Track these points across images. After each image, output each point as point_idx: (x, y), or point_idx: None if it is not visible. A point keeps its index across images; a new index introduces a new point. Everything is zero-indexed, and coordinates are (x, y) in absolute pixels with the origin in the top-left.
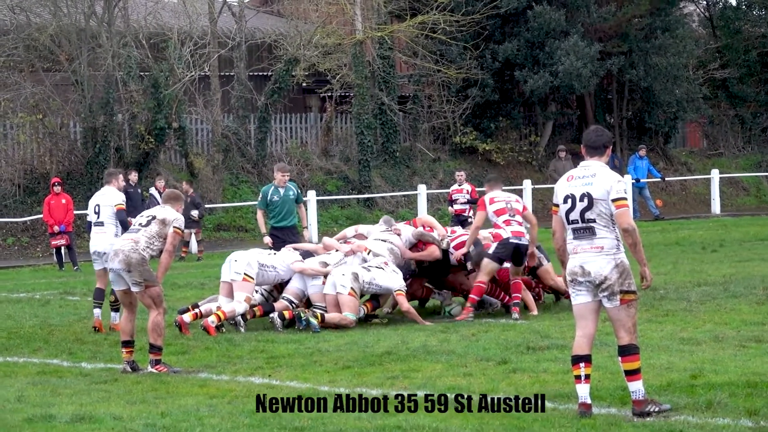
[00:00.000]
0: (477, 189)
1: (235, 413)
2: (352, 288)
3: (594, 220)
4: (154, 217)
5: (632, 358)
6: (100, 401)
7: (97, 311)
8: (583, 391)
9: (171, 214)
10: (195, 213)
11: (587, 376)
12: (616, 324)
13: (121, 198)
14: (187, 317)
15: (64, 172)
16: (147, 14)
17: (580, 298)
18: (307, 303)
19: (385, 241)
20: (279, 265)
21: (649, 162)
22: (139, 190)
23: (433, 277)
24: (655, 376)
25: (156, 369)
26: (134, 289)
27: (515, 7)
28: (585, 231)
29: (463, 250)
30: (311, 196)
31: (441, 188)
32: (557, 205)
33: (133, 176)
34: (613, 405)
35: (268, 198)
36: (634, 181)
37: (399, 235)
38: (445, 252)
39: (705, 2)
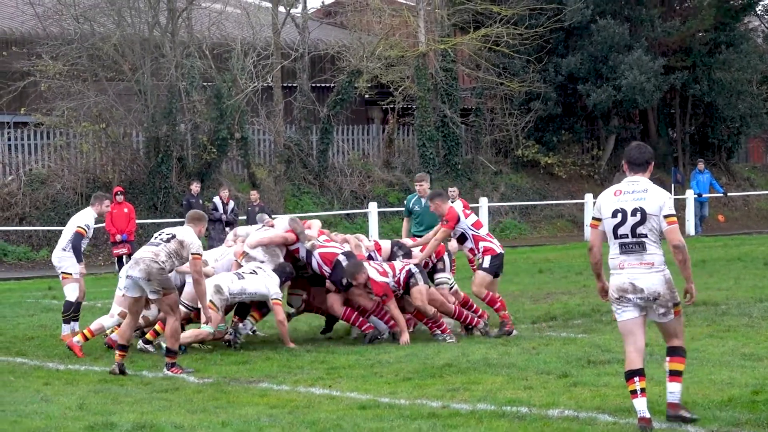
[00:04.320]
0: (470, 205)
1: (296, 423)
2: (211, 301)
3: (645, 235)
4: (174, 236)
5: (680, 360)
6: (161, 410)
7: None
8: (641, 405)
9: (189, 236)
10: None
11: (643, 390)
12: (669, 332)
13: (85, 223)
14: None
15: (126, 182)
16: (210, 25)
17: (627, 314)
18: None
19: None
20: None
21: (711, 176)
22: (201, 201)
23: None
24: (716, 391)
25: (172, 371)
26: (152, 297)
27: (579, 21)
28: (635, 246)
29: (422, 257)
30: (372, 208)
31: (502, 201)
32: (598, 220)
33: (195, 187)
34: (674, 419)
35: (410, 207)
36: (696, 195)
37: (272, 226)
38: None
39: None
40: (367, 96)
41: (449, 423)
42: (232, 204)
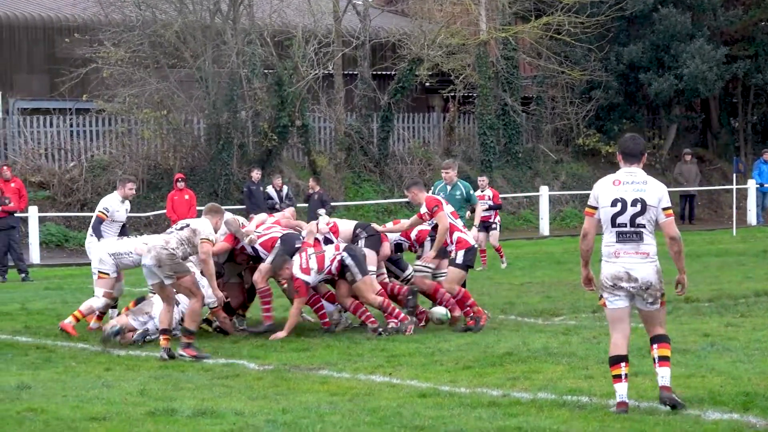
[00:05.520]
0: (500, 195)
1: (356, 411)
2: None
3: (644, 226)
4: (188, 225)
5: (667, 346)
6: (222, 396)
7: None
8: (623, 389)
9: (203, 226)
10: (322, 211)
11: (627, 375)
12: (653, 321)
13: (104, 206)
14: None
15: (187, 168)
16: (272, 12)
17: (619, 302)
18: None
19: None
20: (134, 249)
21: None
22: (261, 188)
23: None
24: None
25: (185, 352)
26: (167, 282)
27: (641, 10)
28: (632, 235)
29: (431, 254)
30: None
31: (563, 190)
32: (594, 208)
33: (256, 174)
34: (735, 410)
35: (436, 194)
36: (758, 185)
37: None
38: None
39: None
40: (427, 84)
41: (509, 412)
42: (285, 189)
